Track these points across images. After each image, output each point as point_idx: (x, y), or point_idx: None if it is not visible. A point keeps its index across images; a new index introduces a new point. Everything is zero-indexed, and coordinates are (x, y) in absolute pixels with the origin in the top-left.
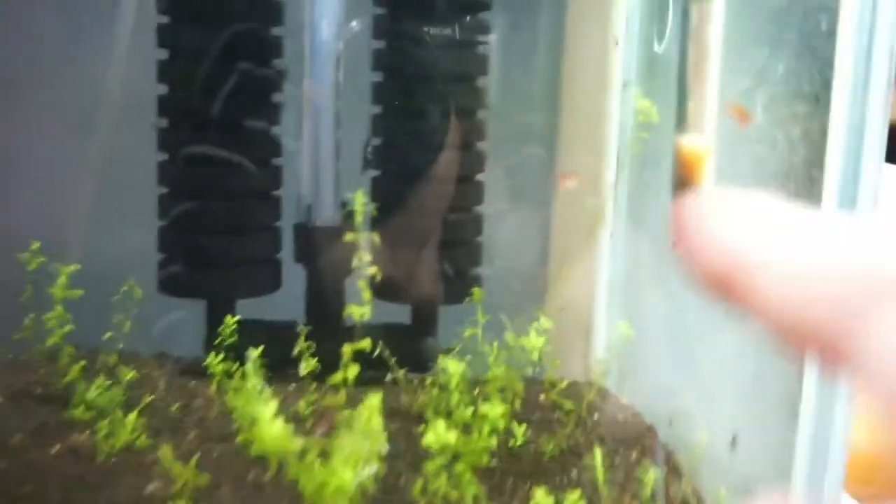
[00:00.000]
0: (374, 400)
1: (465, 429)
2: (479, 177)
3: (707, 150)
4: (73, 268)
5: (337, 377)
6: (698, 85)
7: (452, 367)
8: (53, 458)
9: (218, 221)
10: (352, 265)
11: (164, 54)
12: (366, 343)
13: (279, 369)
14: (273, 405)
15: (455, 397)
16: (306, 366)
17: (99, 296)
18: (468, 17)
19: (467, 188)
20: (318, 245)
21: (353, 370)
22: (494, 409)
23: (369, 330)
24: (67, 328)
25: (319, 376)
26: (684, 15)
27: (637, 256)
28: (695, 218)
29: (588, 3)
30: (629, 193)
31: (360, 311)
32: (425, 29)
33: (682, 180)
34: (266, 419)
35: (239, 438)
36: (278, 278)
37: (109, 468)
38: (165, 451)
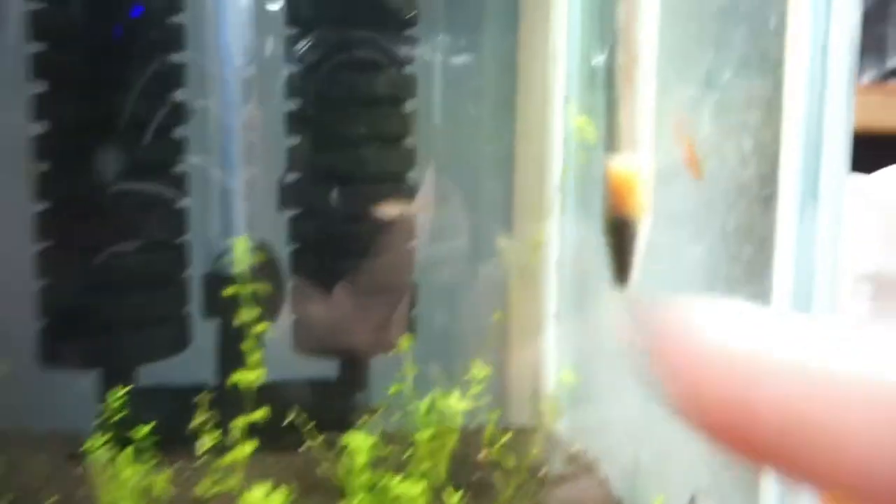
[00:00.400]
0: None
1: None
2: (410, 209)
3: (640, 171)
4: None
5: (232, 456)
6: (629, 94)
7: (356, 442)
8: None
9: (111, 276)
10: (269, 317)
11: (41, 87)
12: (260, 414)
13: (181, 442)
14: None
15: (365, 476)
16: (206, 441)
17: None
18: (393, 34)
19: (397, 223)
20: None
21: (248, 447)
22: (413, 488)
23: (289, 388)
24: None
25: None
26: (613, 16)
27: (588, 288)
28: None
29: (533, 17)
30: (575, 220)
31: (250, 376)
32: (346, 48)
33: (614, 209)
34: None
35: None
36: (185, 337)
37: None
38: None
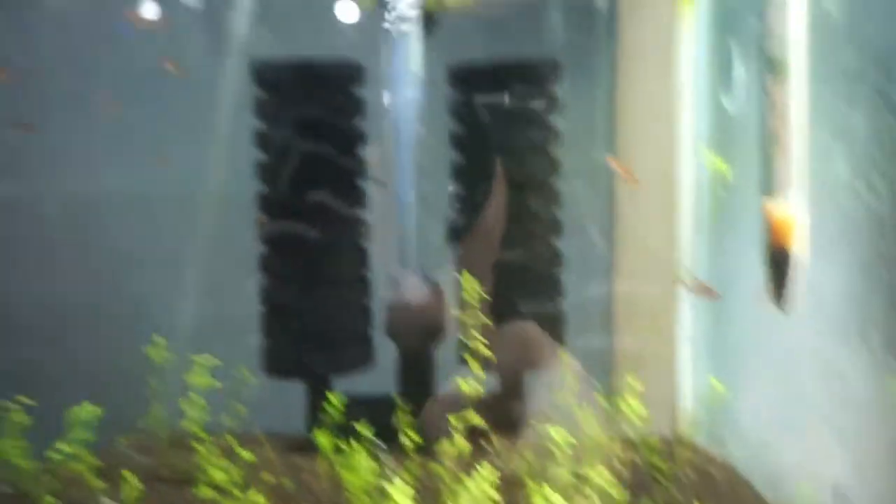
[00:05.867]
0: (485, 472)
1: (566, 494)
2: (560, 245)
3: (797, 212)
4: (206, 359)
5: (449, 449)
6: (782, 149)
7: (558, 435)
8: None
9: (316, 305)
10: (438, 337)
11: (261, 156)
12: (476, 419)
13: (377, 440)
14: (406, 490)
15: (557, 464)
16: (407, 439)
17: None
18: (535, 87)
19: (551, 258)
20: (406, 319)
21: (462, 443)
22: (601, 474)
23: (461, 399)
24: (200, 414)
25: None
26: (760, 83)
27: (723, 314)
28: None
29: (647, 60)
30: (709, 251)
31: (468, 385)
32: (492, 102)
33: (776, 247)
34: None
35: None
36: (372, 354)
37: None
38: None
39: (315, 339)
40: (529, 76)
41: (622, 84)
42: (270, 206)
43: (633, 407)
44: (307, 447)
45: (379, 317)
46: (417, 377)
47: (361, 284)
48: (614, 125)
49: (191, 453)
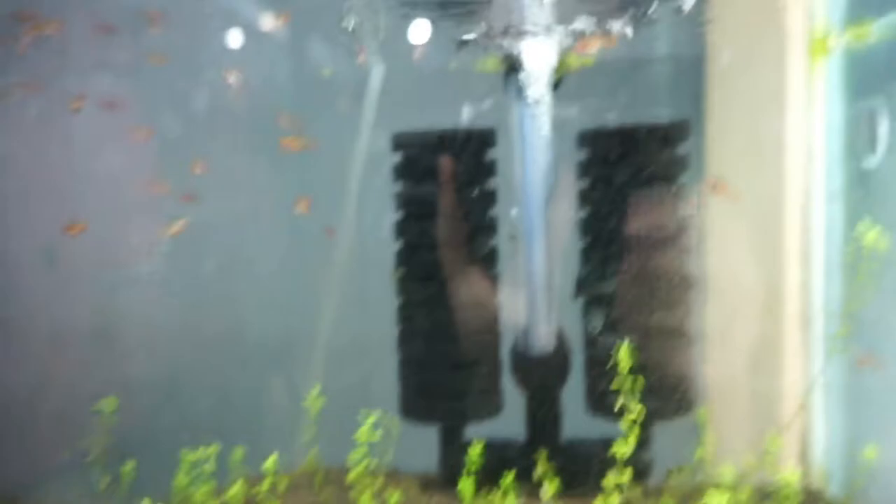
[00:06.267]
0: None
1: None
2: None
3: None
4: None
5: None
6: None
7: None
8: None
9: (450, 357)
10: (561, 388)
11: (399, 216)
12: (625, 477)
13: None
14: None
15: None
16: (549, 487)
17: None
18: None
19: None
20: (537, 371)
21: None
22: None
23: (588, 445)
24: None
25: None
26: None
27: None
28: None
29: (778, 115)
30: (853, 311)
31: (622, 448)
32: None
33: None
34: None
35: None
36: (500, 402)
37: None
38: None
39: (449, 386)
40: (661, 137)
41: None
42: (408, 261)
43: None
44: (436, 487)
45: (509, 365)
46: (546, 422)
47: (493, 335)
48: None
49: (343, 491)
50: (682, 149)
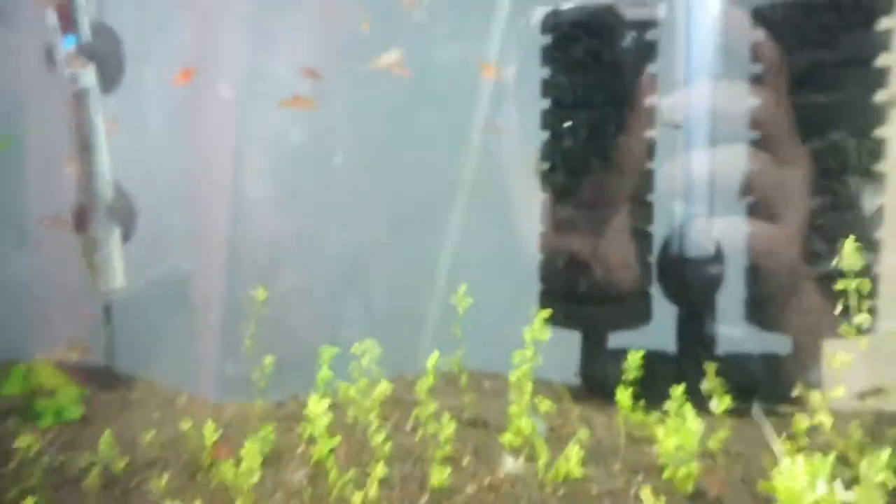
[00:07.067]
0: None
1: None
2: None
3: None
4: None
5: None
6: None
7: None
8: (502, 482)
9: (595, 259)
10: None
11: (546, 104)
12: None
13: (659, 399)
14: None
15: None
16: (721, 402)
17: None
18: None
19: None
20: (690, 277)
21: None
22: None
23: (741, 360)
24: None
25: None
26: None
27: None
28: None
29: None
30: None
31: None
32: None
33: None
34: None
35: (665, 475)
36: (650, 311)
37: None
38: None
39: (597, 292)
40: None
41: None
42: (553, 154)
43: None
44: (583, 396)
45: (659, 269)
46: (700, 334)
47: (644, 236)
48: None
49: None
50: (884, 25)
